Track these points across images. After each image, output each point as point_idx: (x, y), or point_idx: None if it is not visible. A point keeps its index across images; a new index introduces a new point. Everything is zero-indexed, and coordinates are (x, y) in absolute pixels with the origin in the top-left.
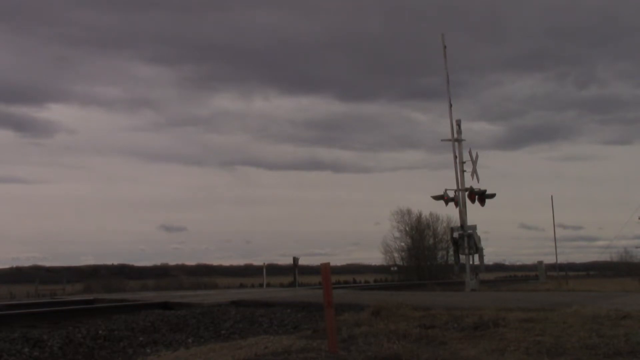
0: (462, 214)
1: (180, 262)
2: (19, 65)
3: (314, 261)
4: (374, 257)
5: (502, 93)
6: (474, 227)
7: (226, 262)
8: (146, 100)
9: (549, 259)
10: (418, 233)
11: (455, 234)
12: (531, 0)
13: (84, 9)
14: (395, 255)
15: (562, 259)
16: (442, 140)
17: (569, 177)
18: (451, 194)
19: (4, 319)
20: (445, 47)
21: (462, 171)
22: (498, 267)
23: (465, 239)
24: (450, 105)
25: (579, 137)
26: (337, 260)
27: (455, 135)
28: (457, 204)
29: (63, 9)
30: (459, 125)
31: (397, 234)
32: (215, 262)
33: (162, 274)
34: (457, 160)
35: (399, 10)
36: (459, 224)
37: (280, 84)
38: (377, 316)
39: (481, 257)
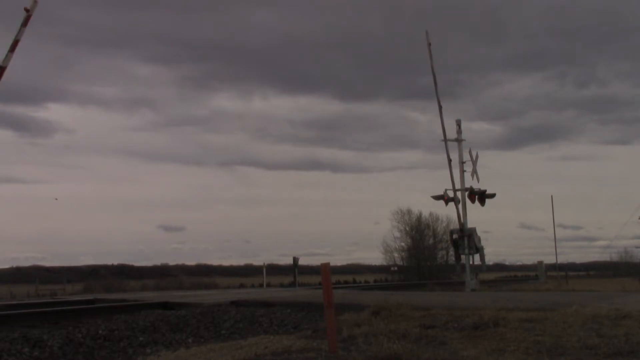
0: (460, 217)
1: (180, 262)
2: (17, 65)
3: (314, 261)
4: (374, 257)
5: (501, 93)
6: (473, 229)
7: (226, 262)
8: (145, 100)
9: (549, 259)
10: (418, 233)
11: (455, 236)
12: (531, 0)
13: (83, 8)
14: (395, 255)
15: (562, 259)
16: (441, 140)
17: (569, 177)
18: (451, 194)
19: (4, 319)
20: (429, 44)
21: (462, 171)
22: (498, 267)
23: (465, 239)
24: (440, 107)
25: (578, 137)
26: (337, 260)
27: (455, 135)
28: (453, 204)
29: (61, 8)
30: (458, 125)
31: (397, 234)
32: (215, 262)
33: (162, 274)
34: (459, 161)
35: (399, 10)
36: (458, 225)
37: (279, 83)
38: (377, 316)
39: (482, 257)
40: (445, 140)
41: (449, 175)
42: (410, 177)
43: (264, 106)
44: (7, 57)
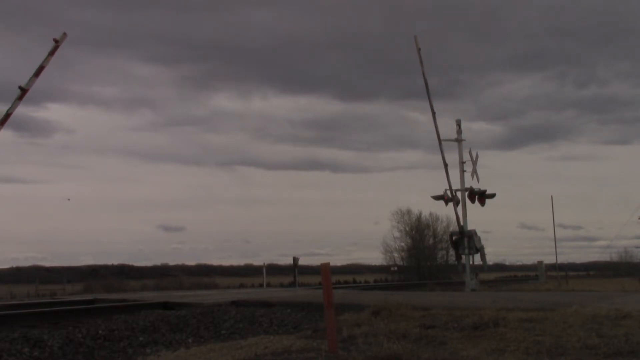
0: (459, 220)
1: (180, 262)
2: (17, 65)
3: (314, 261)
4: (374, 257)
5: (501, 93)
6: (472, 232)
7: (226, 262)
8: (145, 99)
9: (549, 259)
10: (418, 233)
11: (455, 237)
12: (531, 0)
13: (82, 8)
14: (395, 255)
15: (562, 259)
16: (441, 140)
17: (569, 177)
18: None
19: (4, 319)
20: (419, 49)
21: (462, 171)
22: (498, 267)
23: (465, 239)
24: (434, 113)
25: (578, 137)
26: (337, 260)
27: (455, 136)
28: (450, 204)
29: (61, 8)
30: (458, 125)
31: (397, 234)
32: (215, 262)
33: (162, 274)
34: (459, 161)
35: (399, 10)
36: (457, 227)
37: (279, 83)
38: (377, 316)
39: (483, 256)
40: (441, 145)
41: (450, 179)
42: (410, 177)
43: (264, 106)
44: (31, 81)
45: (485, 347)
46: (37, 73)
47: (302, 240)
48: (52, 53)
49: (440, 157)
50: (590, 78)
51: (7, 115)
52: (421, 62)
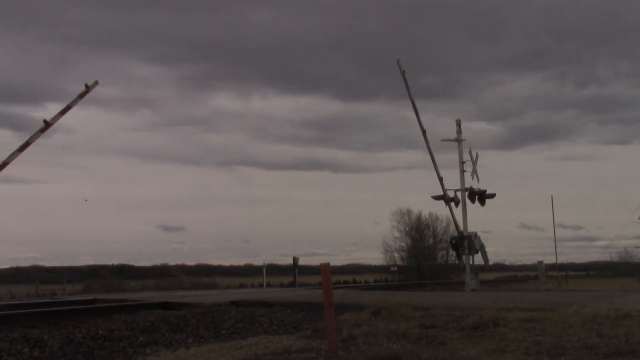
0: (458, 226)
1: (180, 262)
2: (17, 65)
3: (314, 261)
4: (374, 257)
5: (501, 93)
6: (473, 234)
7: (226, 262)
8: (145, 99)
9: (549, 259)
10: (418, 233)
11: (454, 242)
12: (531, 0)
13: (82, 8)
14: (395, 255)
15: (562, 259)
16: (442, 140)
17: (569, 177)
18: (451, 194)
19: (4, 319)
20: (403, 71)
21: (462, 171)
22: (498, 267)
23: (465, 241)
24: (424, 131)
25: (578, 137)
26: (337, 260)
27: (455, 136)
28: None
29: (61, 8)
30: (458, 125)
31: (397, 234)
32: (215, 262)
33: (162, 274)
34: (459, 161)
35: (399, 10)
36: (457, 232)
37: (279, 83)
38: (377, 316)
39: (484, 255)
40: (435, 162)
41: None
42: (410, 177)
43: (264, 106)
44: (55, 118)
45: (485, 347)
46: (64, 111)
47: (302, 240)
48: (81, 96)
49: (440, 157)
50: (590, 78)
51: (27, 143)
52: (407, 85)
